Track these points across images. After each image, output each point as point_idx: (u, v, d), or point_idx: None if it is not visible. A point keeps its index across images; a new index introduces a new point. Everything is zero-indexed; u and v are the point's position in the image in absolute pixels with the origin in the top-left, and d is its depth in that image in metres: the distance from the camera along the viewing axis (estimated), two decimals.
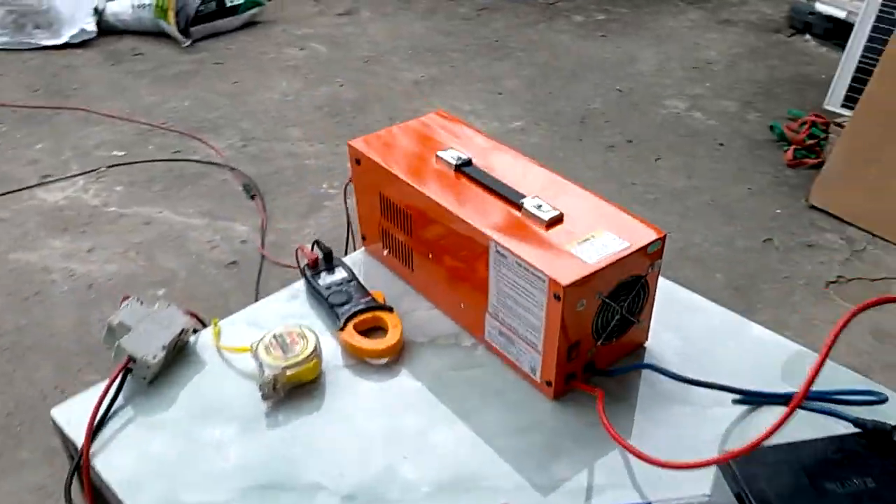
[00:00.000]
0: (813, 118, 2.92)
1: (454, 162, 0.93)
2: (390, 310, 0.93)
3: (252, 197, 2.59)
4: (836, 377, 0.85)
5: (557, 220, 0.84)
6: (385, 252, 1.02)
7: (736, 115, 3.15)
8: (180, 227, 2.47)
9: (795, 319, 2.12)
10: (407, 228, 0.95)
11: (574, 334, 0.81)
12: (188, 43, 3.65)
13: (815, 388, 0.65)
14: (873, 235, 2.45)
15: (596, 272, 0.78)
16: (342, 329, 0.90)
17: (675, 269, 2.26)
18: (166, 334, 0.88)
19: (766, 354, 0.90)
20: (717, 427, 0.80)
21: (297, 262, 1.02)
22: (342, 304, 0.93)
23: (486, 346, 0.91)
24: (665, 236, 0.83)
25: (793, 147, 2.85)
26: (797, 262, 2.35)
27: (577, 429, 0.81)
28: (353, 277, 0.98)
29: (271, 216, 2.52)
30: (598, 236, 0.82)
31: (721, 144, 2.95)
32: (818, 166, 2.75)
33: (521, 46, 3.74)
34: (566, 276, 0.76)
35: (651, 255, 0.82)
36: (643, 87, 3.36)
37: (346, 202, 1.07)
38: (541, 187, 0.90)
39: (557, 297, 0.77)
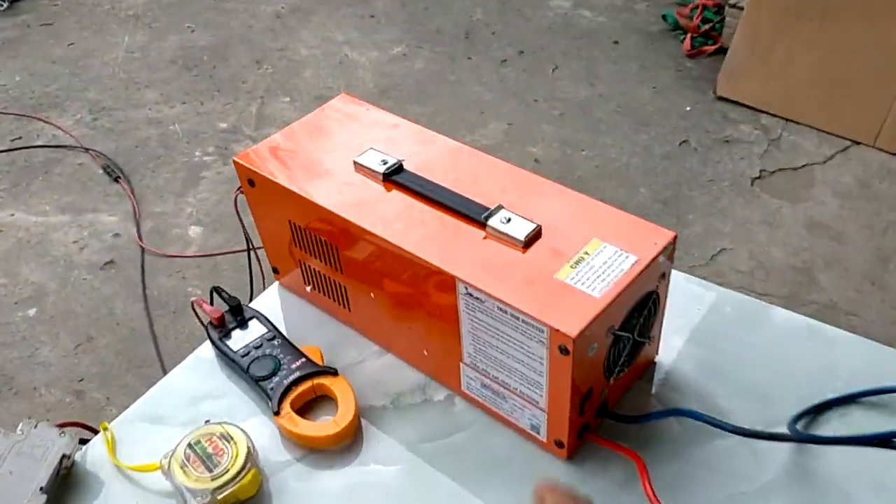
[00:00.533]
0: (703, 1, 2.78)
1: (380, 169, 0.71)
2: (334, 373, 0.72)
3: (116, 179, 2.26)
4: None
5: (535, 237, 0.64)
6: (308, 289, 0.80)
7: (624, 7, 2.97)
8: (39, 230, 2.13)
9: (729, 226, 2.02)
10: (333, 263, 0.73)
11: (585, 383, 0.62)
12: (5, 6, 3.14)
13: None
14: (786, 120, 2.36)
15: (606, 308, 0.59)
16: (277, 413, 0.69)
17: (598, 191, 2.12)
18: (42, 469, 0.65)
19: (801, 346, 0.74)
20: (773, 468, 0.65)
21: (197, 316, 0.79)
22: (269, 377, 0.71)
23: (463, 397, 0.72)
24: (676, 236, 0.64)
25: (689, 35, 2.71)
26: (718, 162, 2.24)
27: (608, 492, 0.63)
28: (274, 332, 0.75)
29: (142, 199, 2.20)
30: (592, 252, 0.63)
31: (616, 42, 2.79)
32: (718, 52, 2.63)
33: None
34: (572, 324, 0.57)
35: (662, 262, 0.64)
36: None
37: (240, 220, 0.81)
38: (499, 189, 0.69)
39: (565, 351, 0.58)
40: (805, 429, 0.66)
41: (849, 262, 1.91)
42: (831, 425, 0.67)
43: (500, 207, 0.66)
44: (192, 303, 0.78)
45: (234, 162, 0.75)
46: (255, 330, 0.76)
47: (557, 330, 0.57)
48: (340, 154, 0.74)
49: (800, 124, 2.34)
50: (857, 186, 2.13)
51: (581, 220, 0.66)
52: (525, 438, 0.68)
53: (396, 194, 0.70)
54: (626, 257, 0.62)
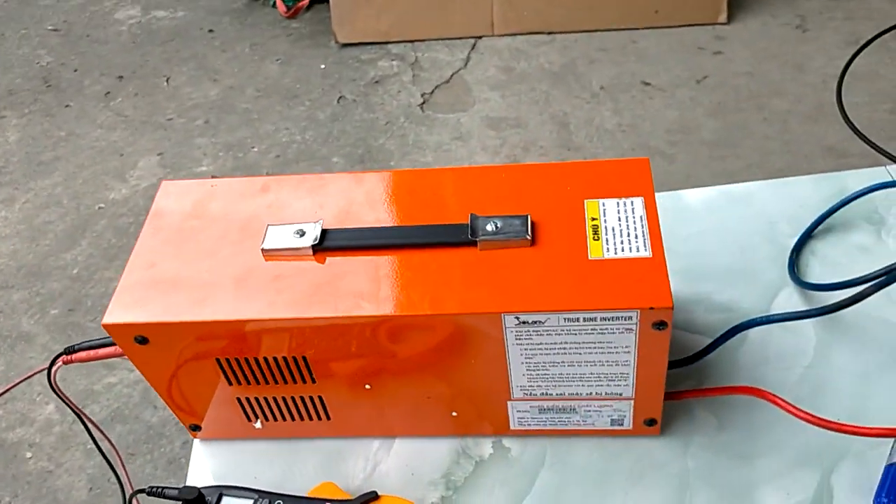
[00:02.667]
0: None
1: (303, 243, 0.56)
2: (375, 497, 0.57)
3: None
4: None
5: (534, 227, 0.56)
6: (258, 425, 0.62)
7: None
8: None
9: (430, 155, 2.05)
10: (304, 377, 0.57)
11: None
12: None
13: None
14: (412, 42, 2.43)
15: (664, 260, 0.53)
16: None
17: None
18: None
19: (733, 213, 0.75)
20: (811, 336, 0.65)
21: None
22: None
23: (513, 435, 0.62)
24: (646, 160, 0.60)
25: None
26: (381, 104, 2.24)
27: (717, 443, 0.59)
28: (266, 496, 0.57)
29: None
30: (597, 214, 0.56)
31: (211, 31, 2.61)
32: (315, 2, 2.59)
33: None
34: (658, 295, 0.51)
35: (651, 184, 0.59)
36: (78, 12, 2.77)
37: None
38: (444, 200, 0.59)
39: (662, 325, 0.51)
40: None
41: (541, 140, 2.05)
42: (815, 269, 0.70)
43: (475, 216, 0.56)
44: None
45: (107, 326, 0.54)
46: None
47: (651, 308, 0.50)
48: (234, 251, 0.57)
49: (425, 41, 2.42)
50: (502, 74, 2.28)
51: (551, 190, 0.58)
52: (608, 436, 0.61)
53: (345, 262, 0.55)
54: (633, 203, 0.57)
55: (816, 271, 0.69)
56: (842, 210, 0.73)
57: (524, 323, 0.52)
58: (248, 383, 0.58)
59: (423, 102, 2.22)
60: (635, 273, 0.52)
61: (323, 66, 2.39)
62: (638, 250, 0.53)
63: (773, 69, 2.14)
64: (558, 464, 0.60)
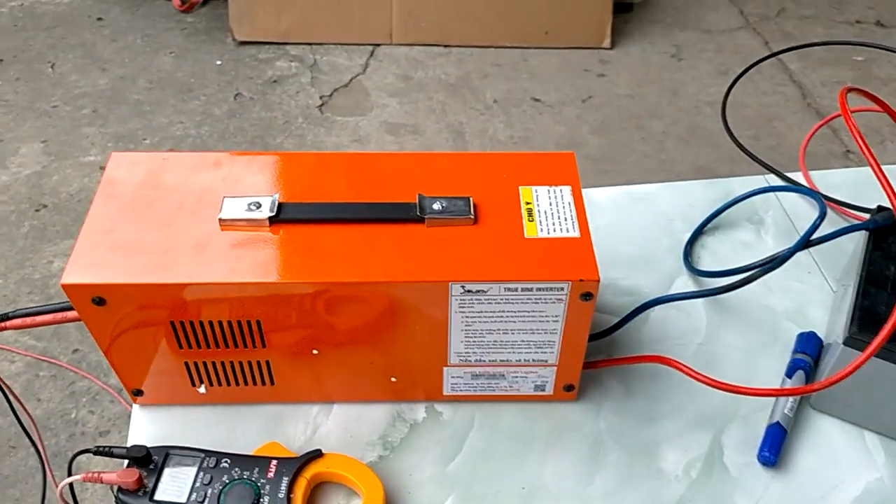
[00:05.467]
0: None
1: (260, 215, 0.59)
2: (320, 454, 0.61)
3: None
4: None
5: (476, 209, 0.62)
6: (202, 389, 0.64)
7: None
8: None
9: None
10: (255, 341, 0.60)
11: None
12: None
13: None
14: (311, 45, 2.45)
15: (591, 240, 0.60)
16: None
17: None
18: None
19: (634, 210, 0.84)
20: (703, 315, 0.74)
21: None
22: (256, 502, 0.57)
23: (445, 400, 0.67)
24: (572, 154, 0.67)
25: None
26: (279, 103, 2.25)
27: (628, 408, 0.67)
28: (213, 455, 0.60)
29: None
30: (531, 199, 0.63)
31: (100, 19, 2.54)
32: None
33: None
34: (587, 269, 0.58)
35: (577, 175, 0.66)
36: None
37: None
38: (394, 180, 0.64)
39: (588, 297, 0.58)
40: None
41: (438, 147, 2.12)
42: (705, 260, 0.79)
43: (423, 196, 0.61)
44: (82, 481, 0.57)
45: (66, 286, 0.55)
46: (185, 467, 0.59)
47: (581, 280, 0.57)
48: (191, 220, 0.60)
49: (324, 45, 2.45)
50: (400, 82, 2.34)
51: (489, 176, 0.64)
52: (527, 402, 0.67)
53: (300, 232, 0.59)
54: (561, 190, 0.63)
55: (706, 261, 0.79)
56: (728, 210, 0.82)
57: (469, 292, 0.57)
58: (199, 347, 0.60)
59: (322, 104, 2.25)
60: (566, 250, 0.59)
61: (219, 63, 2.37)
62: (568, 231, 0.60)
63: (652, 93, 2.31)
64: (486, 427, 0.66)
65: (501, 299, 0.58)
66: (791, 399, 0.66)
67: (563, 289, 0.57)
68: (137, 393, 0.65)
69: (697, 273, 0.76)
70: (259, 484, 0.58)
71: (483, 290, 0.57)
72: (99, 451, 0.59)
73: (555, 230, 0.60)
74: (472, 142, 2.13)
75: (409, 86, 2.31)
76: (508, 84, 2.32)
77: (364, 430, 0.65)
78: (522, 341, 0.62)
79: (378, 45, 2.45)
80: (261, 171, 0.64)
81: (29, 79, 2.29)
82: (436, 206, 0.60)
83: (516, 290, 0.57)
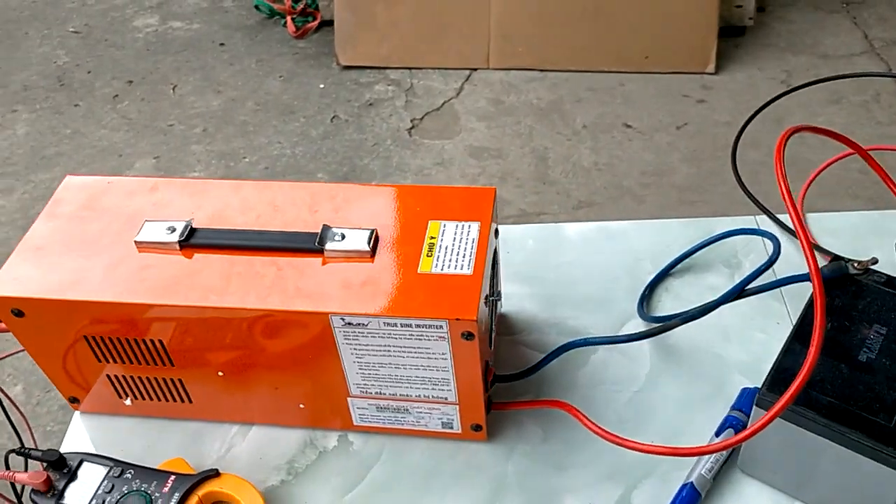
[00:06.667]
0: None
1: (171, 238, 0.62)
2: (216, 474, 0.63)
3: None
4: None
5: (376, 242, 0.62)
6: (128, 401, 0.68)
7: (212, 9, 2.90)
8: None
9: (410, 178, 2.12)
10: (161, 359, 0.63)
11: (484, 358, 0.62)
12: None
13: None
14: (410, 69, 2.51)
15: (482, 280, 0.59)
16: None
17: None
18: None
19: (603, 247, 0.81)
20: (646, 360, 0.71)
21: (17, 497, 0.64)
22: None
23: (357, 430, 0.68)
24: (495, 190, 0.66)
25: (289, 18, 2.74)
26: (372, 125, 2.32)
27: (539, 452, 0.65)
28: (119, 466, 0.64)
29: None
30: (437, 234, 0.62)
31: (222, 45, 2.72)
32: (323, 25, 2.69)
33: None
34: (467, 307, 0.57)
35: (491, 212, 0.65)
36: (99, 17, 2.89)
37: None
38: (309, 211, 0.65)
39: (469, 336, 0.57)
40: (649, 313, 0.74)
41: (519, 172, 2.11)
42: (665, 304, 0.75)
43: (326, 227, 0.62)
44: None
45: None
46: (93, 474, 0.63)
47: (458, 319, 0.56)
48: (112, 241, 0.64)
49: (422, 69, 2.51)
50: (491, 106, 2.35)
51: (402, 210, 0.65)
52: (439, 439, 0.66)
53: (207, 258, 0.62)
54: (470, 226, 0.63)
55: (667, 306, 0.75)
56: (704, 251, 0.78)
57: (349, 324, 0.58)
58: (115, 361, 0.64)
59: (412, 127, 2.29)
60: (453, 287, 0.58)
61: (322, 86, 2.48)
62: (462, 268, 0.59)
63: (753, 121, 2.19)
64: (392, 460, 0.65)
65: (385, 334, 0.58)
66: (711, 459, 0.61)
67: (441, 327, 0.57)
68: (73, 400, 0.70)
69: (645, 318, 0.73)
70: (153, 497, 0.61)
71: (363, 324, 0.58)
72: (20, 453, 0.64)
73: (449, 267, 0.59)
74: (555, 167, 2.11)
75: (500, 110, 2.32)
76: (600, 109, 2.28)
77: (274, 454, 0.67)
78: (417, 377, 0.61)
79: (475, 69, 2.48)
80: (190, 196, 0.67)
81: (152, 99, 2.49)
82: (336, 238, 0.61)
83: (396, 325, 0.57)
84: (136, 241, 0.63)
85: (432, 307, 0.57)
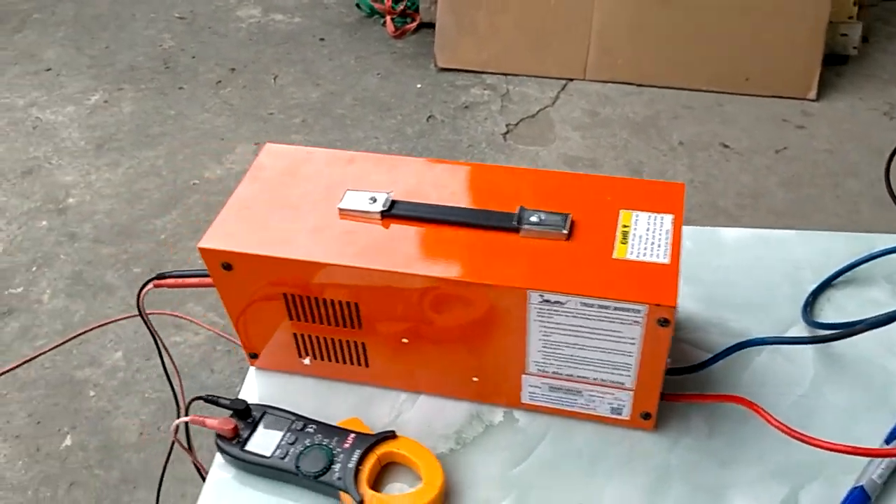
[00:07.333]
0: None
1: (374, 208, 0.65)
2: (393, 435, 0.65)
3: None
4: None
5: (573, 225, 0.64)
6: (307, 361, 0.72)
7: (314, 4, 2.97)
8: None
9: None
10: (353, 322, 0.66)
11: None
12: None
13: None
14: (507, 75, 2.54)
15: (678, 268, 0.61)
16: (361, 502, 0.62)
17: None
18: None
19: (762, 254, 0.82)
20: (810, 366, 0.72)
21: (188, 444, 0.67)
22: (328, 468, 0.63)
23: (523, 408, 0.70)
24: (684, 185, 0.68)
25: (388, 18, 2.79)
26: (467, 127, 2.35)
27: (703, 447, 0.66)
28: (302, 420, 0.67)
29: None
30: (629, 223, 0.64)
31: (322, 40, 2.78)
32: (421, 27, 2.74)
33: (35, 6, 3.05)
34: (667, 294, 0.58)
35: (682, 205, 0.67)
36: (204, 5, 2.98)
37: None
38: (502, 192, 0.68)
39: (665, 323, 0.59)
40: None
41: None
42: (828, 314, 0.76)
43: (524, 208, 0.65)
44: (186, 424, 0.66)
45: (202, 249, 0.64)
46: (276, 426, 0.66)
47: (658, 305, 0.58)
48: (313, 207, 0.67)
49: (519, 76, 2.53)
50: (587, 117, 2.37)
51: (594, 198, 0.67)
52: (606, 424, 0.68)
53: (405, 229, 0.65)
54: (662, 218, 0.64)
55: (829, 316, 0.75)
56: (866, 267, 0.78)
57: (546, 301, 0.60)
58: (306, 320, 0.67)
59: (507, 132, 2.32)
60: (651, 274, 0.60)
61: (419, 86, 2.52)
62: (658, 257, 0.61)
63: (854, 150, 2.17)
64: (557, 440, 0.67)
65: (579, 314, 0.60)
66: (883, 465, 0.62)
67: (639, 311, 0.59)
68: (253, 356, 0.73)
69: (812, 325, 0.73)
70: (335, 452, 0.64)
71: (561, 302, 0.60)
72: (208, 400, 0.68)
73: (645, 254, 0.61)
74: None
75: (595, 121, 2.33)
76: (698, 127, 2.28)
77: (442, 423, 0.69)
78: (599, 360, 0.63)
79: (571, 79, 2.50)
80: (387, 171, 0.70)
81: (254, 87, 2.56)
82: (533, 219, 0.64)
83: (593, 306, 0.59)
84: (339, 208, 0.66)
85: (632, 291, 0.59)
